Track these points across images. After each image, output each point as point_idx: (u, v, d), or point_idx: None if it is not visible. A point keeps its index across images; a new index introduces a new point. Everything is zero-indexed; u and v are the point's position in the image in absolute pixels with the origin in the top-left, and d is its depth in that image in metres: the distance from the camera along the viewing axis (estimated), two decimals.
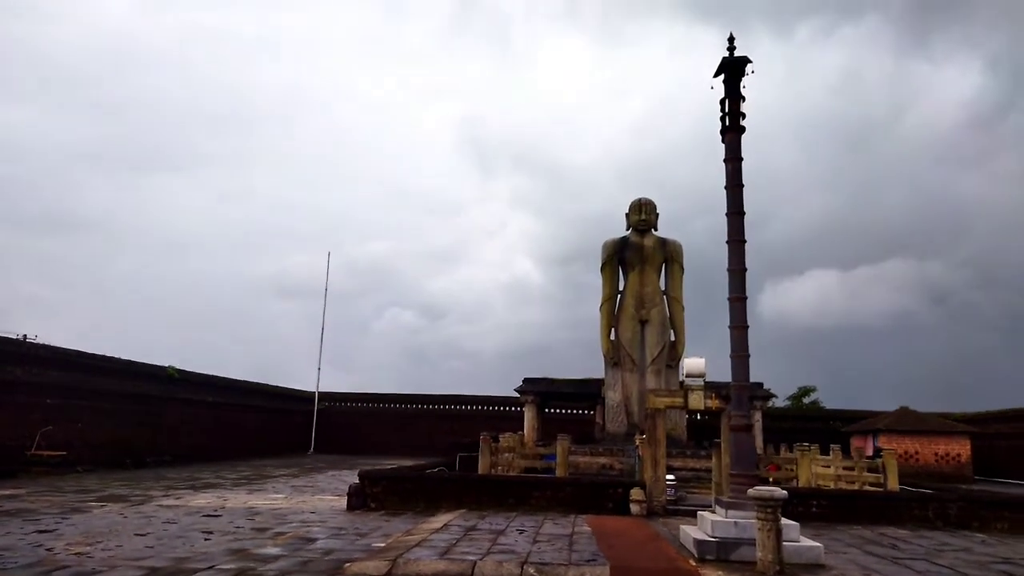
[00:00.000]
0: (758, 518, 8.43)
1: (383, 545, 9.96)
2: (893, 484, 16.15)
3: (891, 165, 77.80)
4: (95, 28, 72.64)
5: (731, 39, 10.86)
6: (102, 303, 72.41)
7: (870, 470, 16.91)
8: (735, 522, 9.26)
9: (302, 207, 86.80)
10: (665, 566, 8.68)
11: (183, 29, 78.54)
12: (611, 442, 23.88)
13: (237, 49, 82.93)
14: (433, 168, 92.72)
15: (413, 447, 37.67)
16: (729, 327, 10.29)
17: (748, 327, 10.19)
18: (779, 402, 43.22)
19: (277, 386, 39.35)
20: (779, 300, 76.21)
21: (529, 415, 27.47)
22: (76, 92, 70.91)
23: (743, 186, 10.58)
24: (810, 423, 39.39)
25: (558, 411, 36.40)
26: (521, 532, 11.14)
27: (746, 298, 10.28)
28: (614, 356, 25.59)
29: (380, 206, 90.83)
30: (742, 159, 10.66)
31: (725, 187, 10.68)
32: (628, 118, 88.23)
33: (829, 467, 18.16)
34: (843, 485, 17.67)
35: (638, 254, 26.06)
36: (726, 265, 10.46)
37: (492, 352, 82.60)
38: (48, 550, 9.21)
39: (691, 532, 9.86)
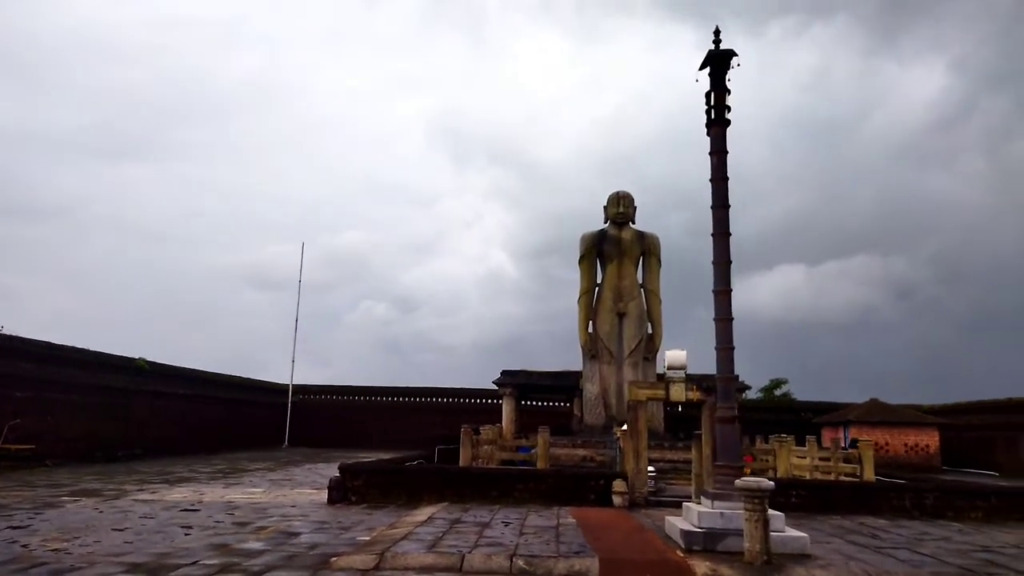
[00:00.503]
0: (745, 509, 8.48)
1: (368, 539, 9.86)
2: (869, 475, 16.41)
3: (859, 163, 79.05)
4: (64, 16, 71.02)
5: (717, 32, 10.86)
6: (68, 293, 71.02)
7: (846, 461, 17.15)
8: (721, 513, 9.32)
9: (275, 198, 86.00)
10: (653, 557, 8.70)
11: (154, 17, 77.13)
12: (589, 434, 23.95)
13: (208, 38, 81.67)
14: (407, 160, 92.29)
15: (390, 440, 37.48)
16: (714, 319, 10.33)
17: (733, 319, 10.24)
18: (751, 394, 43.75)
19: (250, 378, 38.88)
20: (748, 294, 77.14)
21: (507, 408, 27.46)
22: (42, 80, 69.28)
23: (728, 179, 10.62)
24: (782, 415, 39.93)
25: (535, 404, 36.46)
26: (506, 524, 11.10)
27: (731, 291, 10.34)
28: (592, 349, 25.64)
29: (354, 197, 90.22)
30: (727, 152, 10.70)
31: (710, 180, 10.71)
32: (603, 113, 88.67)
33: (805, 458, 18.39)
34: (818, 476, 17.91)
35: (616, 247, 26.12)
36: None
37: (466, 345, 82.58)
38: (23, 546, 8.97)
39: (677, 523, 9.90)
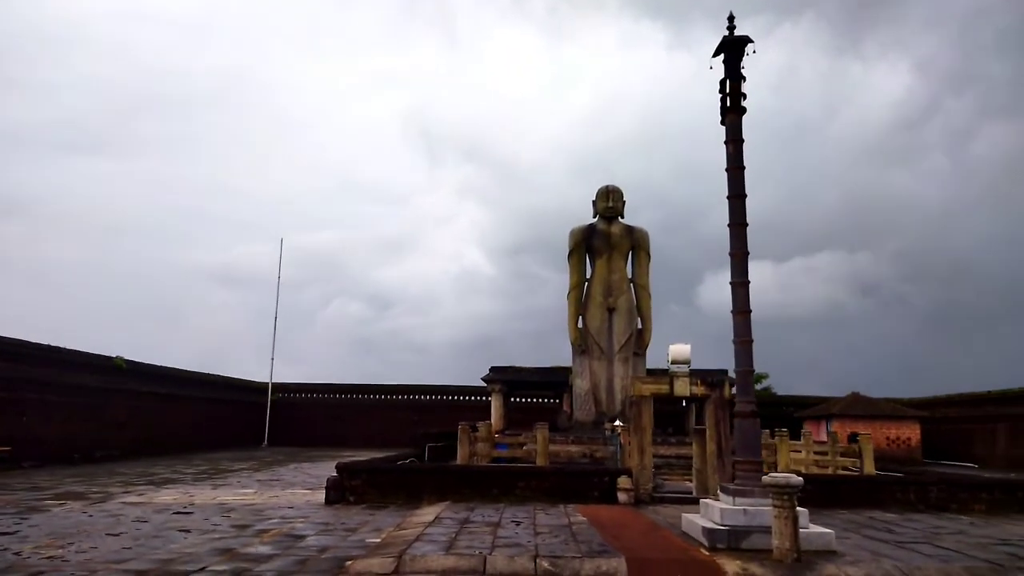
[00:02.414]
0: (774, 505, 8.27)
1: (379, 541, 9.51)
2: (869, 468, 16.38)
3: (825, 161, 79.93)
4: (30, 9, 69.04)
5: (731, 18, 10.64)
6: (35, 290, 69.11)
7: (844, 454, 17.12)
8: (744, 510, 9.10)
9: (247, 195, 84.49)
10: (680, 556, 8.46)
11: (123, 11, 75.30)
12: (580, 430, 23.73)
13: (179, 33, 80.00)
14: (380, 157, 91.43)
15: (373, 439, 36.94)
16: (732, 312, 10.12)
17: (751, 312, 10.03)
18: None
19: (228, 376, 38.06)
20: (720, 291, 77.85)
21: (496, 404, 27.16)
22: (8, 74, 67.29)
23: (744, 168, 10.39)
24: (764, 409, 39.28)
25: (523, 400, 36.21)
26: (517, 524, 10.80)
27: (749, 283, 10.13)
28: (582, 344, 25.42)
29: (327, 195, 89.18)
30: (743, 140, 10.46)
31: (726, 169, 10.48)
32: (576, 110, 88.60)
33: (801, 452, 18.35)
34: (814, 470, 17.88)
35: (605, 241, 25.93)
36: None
37: (442, 343, 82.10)
38: (16, 554, 8.48)
39: (696, 520, 9.68)
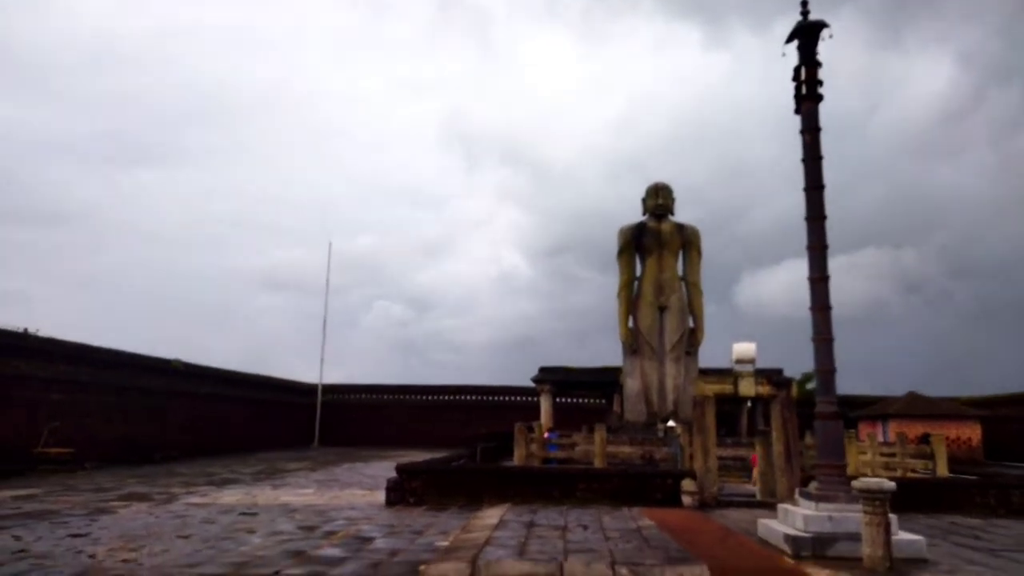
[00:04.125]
0: (865, 512, 7.89)
1: (447, 544, 9.34)
2: (943, 470, 15.74)
3: (866, 157, 77.91)
4: (74, 22, 71.05)
5: (804, 3, 10.22)
6: (84, 298, 71.01)
7: (917, 456, 16.47)
8: (829, 516, 8.72)
9: (287, 201, 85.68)
10: (764, 564, 8.13)
11: (163, 24, 77.04)
12: (630, 431, 23.36)
13: (218, 44, 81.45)
14: (418, 162, 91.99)
15: (420, 439, 37.03)
16: (810, 309, 9.73)
17: (831, 308, 9.63)
18: None
19: (279, 378, 38.50)
20: (756, 289, 76.58)
21: (545, 404, 26.93)
22: (54, 86, 69.28)
23: (822, 158, 9.98)
24: (814, 409, 39.09)
25: (570, 400, 35.86)
26: (584, 528, 10.56)
27: (828, 278, 9.72)
28: (633, 343, 25.05)
29: (366, 200, 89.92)
30: (820, 129, 10.06)
31: (803, 160, 10.09)
32: (611, 113, 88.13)
33: (867, 453, 17.74)
34: (882, 472, 17.26)
35: (656, 239, 25.52)
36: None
37: (481, 344, 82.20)
38: (91, 556, 8.51)
39: (776, 526, 9.32)
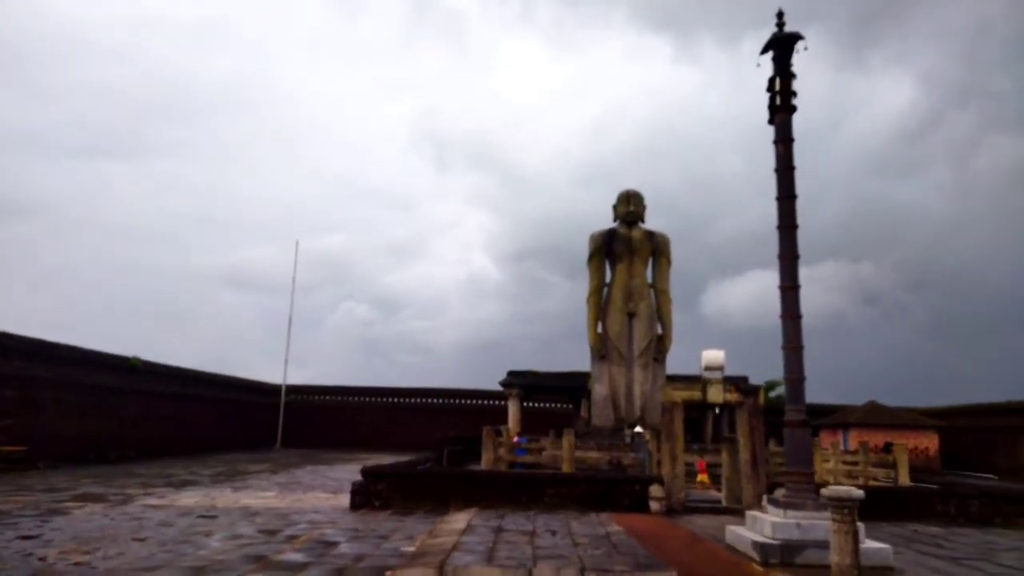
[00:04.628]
0: (833, 519, 7.87)
1: (414, 549, 9.17)
2: (904, 479, 15.97)
3: (828, 173, 79.39)
4: (39, 12, 69.13)
5: (780, 15, 10.32)
6: (44, 292, 69.11)
7: (879, 464, 16.70)
8: (797, 523, 8.74)
9: (256, 198, 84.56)
10: (733, 571, 8.11)
11: (132, 13, 75.39)
12: (597, 436, 23.34)
13: (188, 38, 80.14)
14: (388, 163, 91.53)
15: (386, 442, 36.69)
16: (781, 317, 9.78)
17: (801, 316, 9.68)
18: None
19: (242, 378, 37.78)
20: (722, 298, 77.72)
21: (513, 409, 26.81)
22: (14, 74, 67.43)
23: (795, 168, 10.05)
24: (779, 416, 39.48)
25: (538, 405, 35.79)
26: (553, 533, 10.46)
27: (799, 287, 9.78)
28: (601, 349, 25.04)
29: (336, 200, 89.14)
30: (793, 140, 10.13)
31: (776, 170, 10.15)
32: (582, 120, 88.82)
33: (830, 461, 17.94)
34: (844, 480, 17.46)
35: (626, 246, 25.57)
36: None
37: (448, 346, 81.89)
38: (41, 559, 8.17)
39: (744, 533, 9.32)
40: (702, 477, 17.79)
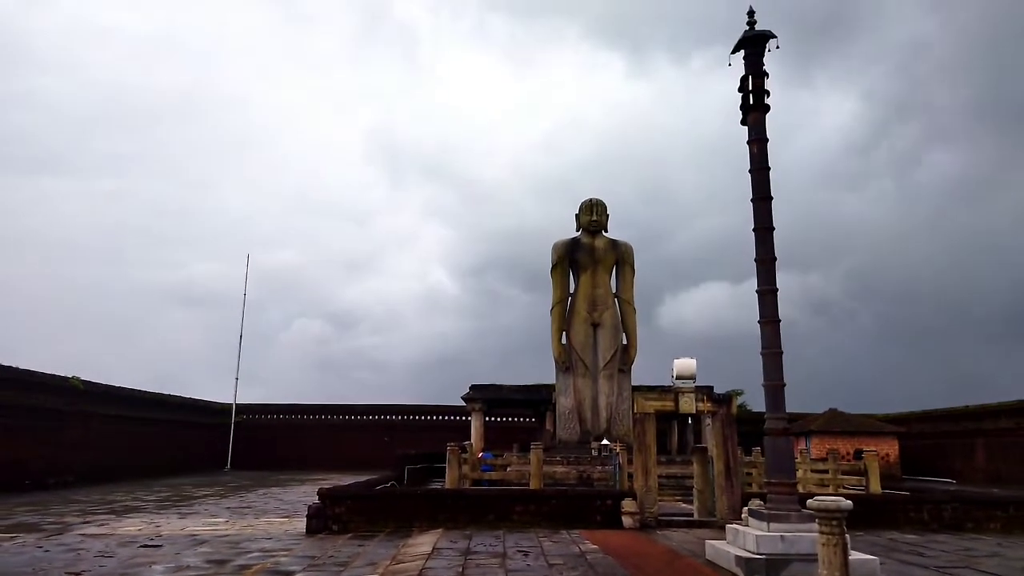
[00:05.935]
0: (821, 532, 7.49)
1: None
2: (875, 486, 15.81)
3: (778, 186, 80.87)
4: None
5: (751, 13, 10.05)
6: None
7: (850, 472, 16.53)
8: (782, 536, 8.34)
9: (201, 213, 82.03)
10: None
11: (70, 25, 73.06)
12: (563, 450, 22.87)
13: (132, 49, 77.72)
14: (341, 176, 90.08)
15: (341, 461, 35.64)
16: (759, 322, 9.44)
17: (780, 321, 9.35)
18: None
19: (189, 398, 36.29)
20: (678, 309, 78.50)
21: (476, 423, 26.18)
22: None
23: (770, 169, 9.76)
24: (743, 426, 39.57)
25: (501, 419, 35.15)
26: (525, 554, 9.89)
27: (777, 290, 9.46)
28: (566, 361, 24.64)
29: (286, 214, 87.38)
30: (767, 140, 9.85)
31: (750, 171, 9.85)
32: (538, 134, 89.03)
33: (799, 470, 17.72)
34: (813, 488, 17.27)
35: (590, 255, 25.28)
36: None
37: (404, 362, 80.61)
38: None
39: (726, 548, 8.88)
40: None
